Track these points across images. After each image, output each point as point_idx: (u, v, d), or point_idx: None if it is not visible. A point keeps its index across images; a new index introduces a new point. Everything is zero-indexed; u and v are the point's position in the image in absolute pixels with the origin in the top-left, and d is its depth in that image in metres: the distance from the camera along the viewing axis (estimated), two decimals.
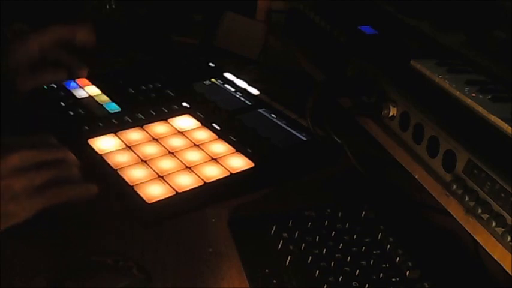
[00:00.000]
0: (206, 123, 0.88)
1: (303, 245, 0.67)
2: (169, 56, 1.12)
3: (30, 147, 0.62)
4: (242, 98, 0.97)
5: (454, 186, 0.60)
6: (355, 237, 0.69)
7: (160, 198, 0.71)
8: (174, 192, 0.72)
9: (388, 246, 0.67)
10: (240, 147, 0.82)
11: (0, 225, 0.57)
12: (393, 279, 0.63)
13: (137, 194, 0.71)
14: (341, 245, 0.67)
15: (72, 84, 0.94)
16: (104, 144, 0.80)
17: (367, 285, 0.62)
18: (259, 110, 0.94)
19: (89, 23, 0.86)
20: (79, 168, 0.66)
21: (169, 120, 0.88)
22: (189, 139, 0.84)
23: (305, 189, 0.81)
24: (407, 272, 0.63)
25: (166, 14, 1.27)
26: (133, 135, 0.83)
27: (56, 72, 0.82)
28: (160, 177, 0.74)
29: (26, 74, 0.80)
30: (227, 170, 0.77)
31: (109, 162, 0.76)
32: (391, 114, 0.72)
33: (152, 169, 0.76)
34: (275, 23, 1.17)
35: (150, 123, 0.86)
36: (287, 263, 0.64)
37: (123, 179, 0.73)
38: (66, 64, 0.84)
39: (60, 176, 0.63)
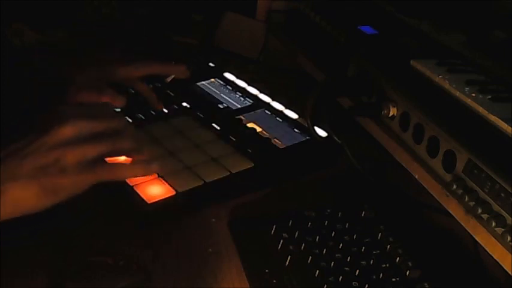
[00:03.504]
0: (206, 123, 0.88)
1: (303, 245, 0.67)
2: (169, 56, 1.12)
3: (86, 117, 0.58)
4: (242, 98, 0.97)
5: (454, 186, 0.60)
6: (355, 237, 0.69)
7: (160, 198, 0.71)
8: (174, 192, 0.72)
9: (388, 246, 0.67)
10: (240, 147, 0.82)
11: (48, 199, 0.54)
12: (393, 279, 0.63)
13: (137, 194, 0.71)
14: (341, 245, 0.67)
15: None
16: None
17: (367, 285, 0.62)
18: (259, 110, 0.94)
19: (184, 65, 0.91)
20: (136, 138, 0.63)
21: (169, 120, 0.88)
22: (189, 139, 0.84)
23: (305, 189, 0.81)
24: (407, 272, 0.63)
25: (166, 14, 1.27)
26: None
27: (114, 99, 0.81)
28: (161, 177, 0.74)
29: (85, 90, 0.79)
30: (227, 170, 0.77)
31: (109, 162, 0.76)
32: (391, 114, 0.72)
33: None
34: (275, 23, 1.17)
35: (150, 123, 0.86)
36: (287, 263, 0.64)
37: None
38: (145, 98, 0.88)
39: (116, 149, 0.60)
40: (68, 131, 0.56)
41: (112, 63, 0.84)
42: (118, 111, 0.65)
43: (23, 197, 0.54)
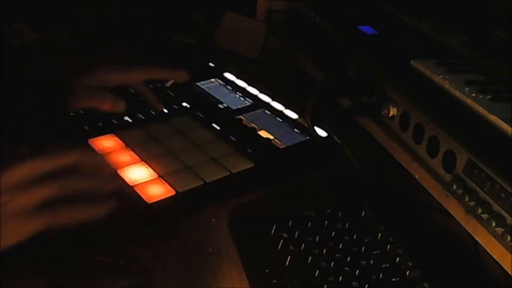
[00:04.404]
0: (206, 123, 0.88)
1: (303, 245, 0.67)
2: (170, 56, 1.12)
3: (37, 157, 0.56)
4: (242, 98, 0.97)
5: (454, 186, 0.60)
6: (355, 237, 0.69)
7: (160, 198, 0.71)
8: (174, 192, 0.72)
9: (388, 246, 0.67)
10: (240, 147, 0.82)
11: None
12: (393, 279, 0.63)
13: (137, 194, 0.71)
14: (341, 245, 0.67)
15: None
16: (104, 144, 0.80)
17: (367, 285, 0.62)
18: (259, 110, 0.94)
19: (185, 71, 0.91)
20: (97, 172, 0.61)
21: (169, 120, 0.88)
22: (189, 139, 0.84)
23: (305, 189, 0.81)
24: (407, 272, 0.63)
25: (166, 14, 1.28)
26: (133, 135, 0.83)
27: (115, 105, 0.82)
28: (160, 177, 0.74)
29: (86, 98, 0.80)
30: (227, 170, 0.77)
31: (109, 162, 0.76)
32: (391, 114, 0.72)
33: (152, 169, 0.76)
34: (275, 23, 1.17)
35: (150, 123, 0.86)
36: (287, 263, 0.64)
37: (123, 179, 0.73)
38: (145, 98, 0.88)
39: (68, 190, 0.57)
40: (17, 174, 0.54)
41: (112, 66, 0.84)
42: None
43: None
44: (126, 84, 0.87)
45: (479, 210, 0.57)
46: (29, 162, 0.55)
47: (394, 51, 0.83)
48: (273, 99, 0.97)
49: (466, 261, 0.70)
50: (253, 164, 0.79)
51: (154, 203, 0.70)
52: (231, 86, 1.01)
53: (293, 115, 0.92)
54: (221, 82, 1.02)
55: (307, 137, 0.87)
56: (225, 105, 0.94)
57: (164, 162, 0.77)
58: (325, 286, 0.61)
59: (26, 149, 0.57)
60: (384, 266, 0.65)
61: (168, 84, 0.94)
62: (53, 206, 0.55)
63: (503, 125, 0.60)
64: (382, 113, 0.72)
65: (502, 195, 0.55)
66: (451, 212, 0.62)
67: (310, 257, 0.65)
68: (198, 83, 1.01)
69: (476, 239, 0.58)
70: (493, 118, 0.62)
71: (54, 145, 0.59)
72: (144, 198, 0.70)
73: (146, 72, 0.87)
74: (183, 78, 0.92)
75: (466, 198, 0.59)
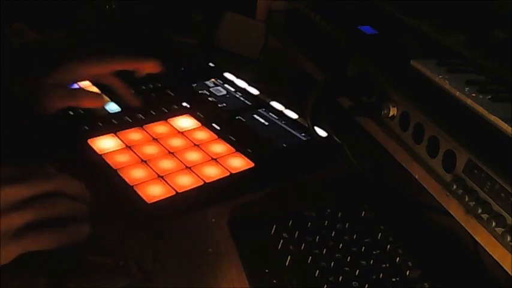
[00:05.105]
0: (206, 123, 0.88)
1: (303, 245, 0.67)
2: (169, 56, 1.12)
3: (16, 181, 0.56)
4: (242, 98, 0.97)
5: (454, 186, 0.60)
6: (355, 237, 0.69)
7: (160, 198, 0.71)
8: (174, 192, 0.72)
9: (388, 246, 0.67)
10: (240, 147, 0.82)
11: None
12: (393, 279, 0.63)
13: (137, 194, 0.71)
14: (341, 245, 0.67)
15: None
16: (104, 144, 0.80)
17: (367, 285, 0.62)
18: (259, 110, 0.94)
19: (157, 60, 0.88)
20: (78, 196, 0.60)
21: (169, 120, 0.88)
22: (189, 139, 0.84)
23: (305, 189, 0.81)
24: (407, 272, 0.63)
25: (166, 14, 1.28)
26: (133, 135, 0.83)
27: (94, 100, 0.81)
28: (160, 177, 0.74)
29: (62, 95, 0.78)
30: (227, 170, 0.77)
31: (109, 162, 0.76)
32: (391, 114, 0.72)
33: (152, 169, 0.76)
34: (275, 23, 1.17)
35: (150, 123, 0.86)
36: (287, 263, 0.64)
37: (123, 179, 0.73)
38: (121, 95, 0.86)
39: (46, 215, 0.57)
40: None
41: (80, 59, 0.81)
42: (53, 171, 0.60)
43: None
44: (99, 76, 0.84)
45: (479, 210, 0.57)
46: (9, 189, 0.55)
47: (394, 51, 0.83)
48: (273, 99, 0.97)
49: (466, 261, 0.70)
50: (253, 164, 0.79)
51: (154, 203, 0.70)
52: (231, 86, 1.01)
53: (293, 115, 0.92)
54: (221, 82, 1.03)
55: (307, 137, 0.87)
56: (225, 105, 0.94)
57: (164, 162, 0.78)
58: (325, 286, 0.61)
59: (6, 171, 0.56)
60: (384, 266, 0.65)
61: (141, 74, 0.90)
62: (31, 231, 0.55)
63: (503, 125, 0.60)
64: (382, 113, 0.72)
65: (502, 195, 0.55)
66: (451, 212, 0.62)
67: (310, 257, 0.65)
68: (198, 83, 1.01)
69: (476, 239, 0.58)
70: (493, 118, 0.62)
71: (34, 166, 0.59)
72: (144, 198, 0.70)
73: (115, 63, 0.84)
74: (154, 68, 0.87)
75: (466, 198, 0.59)
